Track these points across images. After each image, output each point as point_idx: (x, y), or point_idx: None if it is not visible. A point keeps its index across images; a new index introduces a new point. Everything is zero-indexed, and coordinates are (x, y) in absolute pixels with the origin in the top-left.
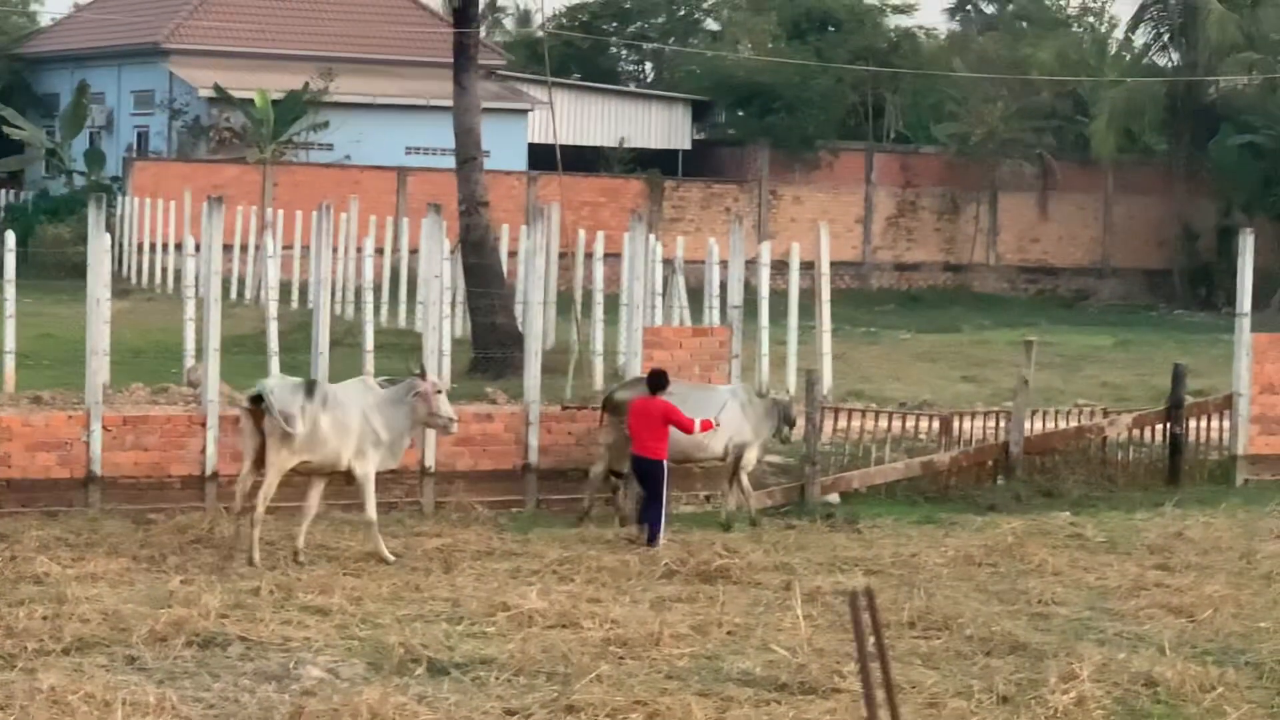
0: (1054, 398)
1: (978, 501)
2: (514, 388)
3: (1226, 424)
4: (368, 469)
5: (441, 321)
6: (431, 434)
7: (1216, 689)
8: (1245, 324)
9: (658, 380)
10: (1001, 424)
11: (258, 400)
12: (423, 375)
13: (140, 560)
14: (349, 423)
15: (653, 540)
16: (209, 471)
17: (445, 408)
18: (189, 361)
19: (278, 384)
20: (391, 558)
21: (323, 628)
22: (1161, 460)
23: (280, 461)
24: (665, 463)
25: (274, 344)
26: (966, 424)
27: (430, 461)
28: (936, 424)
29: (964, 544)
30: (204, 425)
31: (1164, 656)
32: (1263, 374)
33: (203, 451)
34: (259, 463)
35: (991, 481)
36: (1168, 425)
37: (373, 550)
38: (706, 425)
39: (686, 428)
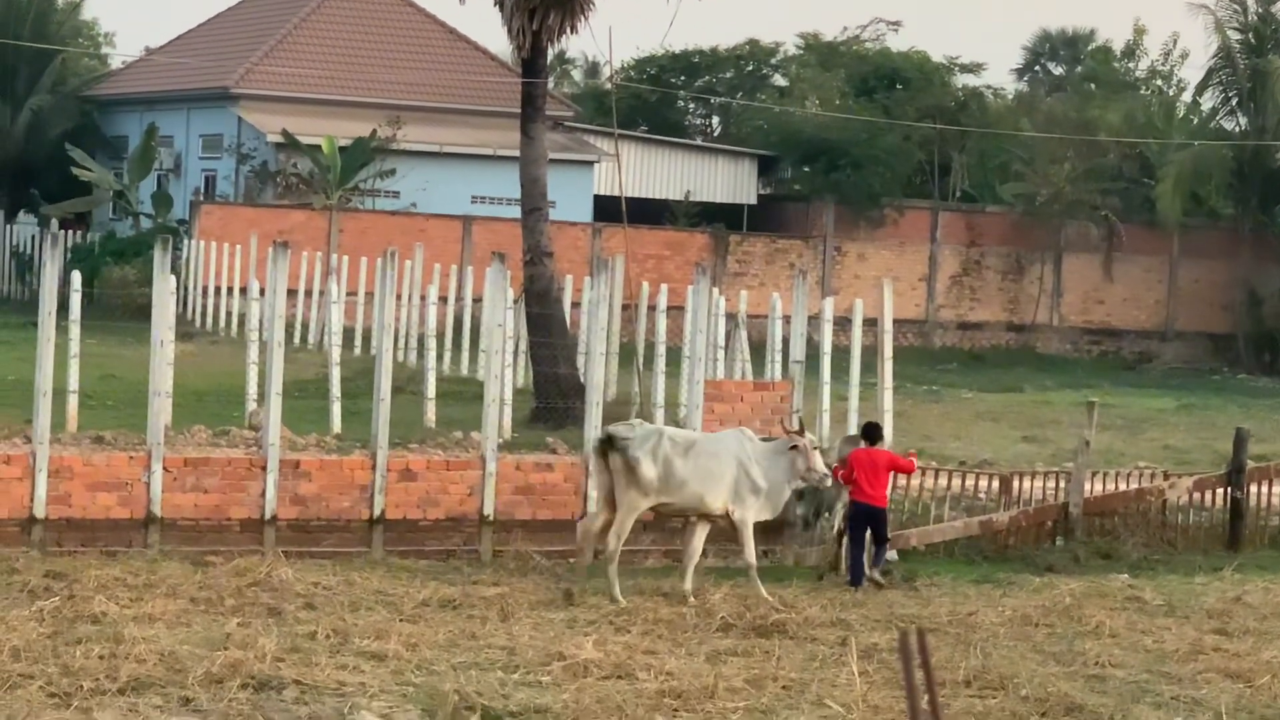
0: (1115, 460)
1: (1036, 562)
2: (574, 438)
3: None
4: (746, 515)
5: (504, 370)
6: (491, 481)
7: None
8: None
9: (876, 431)
10: (1061, 485)
11: (608, 442)
12: (801, 431)
13: (198, 602)
14: (716, 469)
15: (877, 565)
16: (269, 515)
17: (820, 464)
18: (251, 405)
19: (627, 428)
20: (770, 598)
21: (378, 673)
22: (1222, 524)
23: (630, 501)
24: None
25: (336, 389)
26: (1026, 484)
27: (489, 510)
28: (996, 483)
29: (1021, 604)
30: (264, 469)
31: None
32: None
33: (263, 495)
34: (608, 503)
35: (1050, 542)
36: (1228, 489)
37: (753, 593)
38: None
39: (909, 469)
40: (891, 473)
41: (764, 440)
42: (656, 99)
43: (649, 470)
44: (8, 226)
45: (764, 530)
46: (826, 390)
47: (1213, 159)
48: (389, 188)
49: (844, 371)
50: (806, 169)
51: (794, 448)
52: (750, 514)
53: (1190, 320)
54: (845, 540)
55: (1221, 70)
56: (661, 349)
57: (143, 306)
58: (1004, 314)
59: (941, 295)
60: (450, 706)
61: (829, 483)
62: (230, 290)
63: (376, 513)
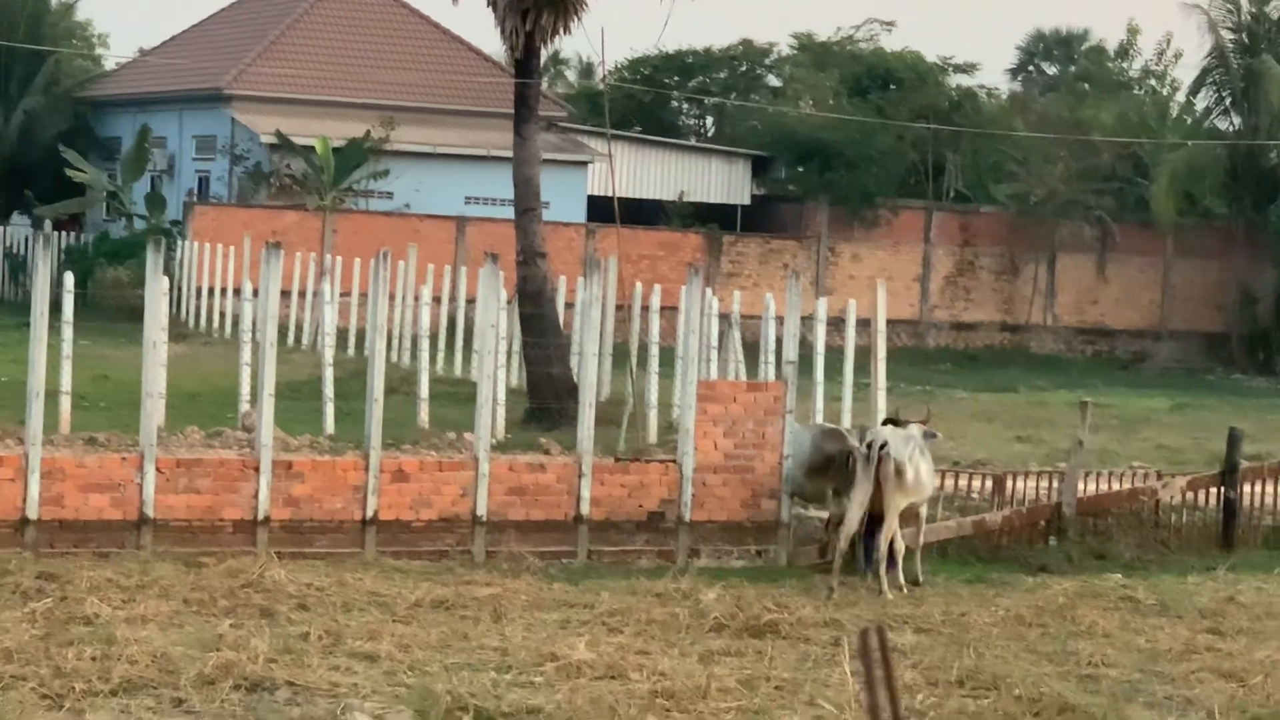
0: (1109, 459)
1: (1029, 562)
2: (568, 438)
3: None
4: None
5: (496, 371)
6: (484, 482)
7: None
8: None
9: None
10: (1055, 485)
11: (881, 449)
12: (926, 420)
13: (190, 603)
14: (931, 467)
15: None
16: (261, 516)
17: None
18: (244, 406)
19: (891, 433)
20: (902, 586)
21: (371, 674)
22: (1215, 524)
23: (896, 504)
24: None
25: (329, 390)
26: (1020, 484)
27: (482, 511)
28: (989, 483)
29: (1014, 604)
30: (257, 470)
31: None
32: None
33: (255, 496)
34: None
35: (1043, 542)
36: (1222, 489)
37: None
38: None
39: None
40: None
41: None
42: (650, 99)
43: (910, 474)
44: (1, 228)
45: (759, 530)
46: (820, 391)
47: (1206, 159)
48: (383, 188)
49: (838, 372)
50: (800, 169)
51: (931, 436)
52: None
53: (1184, 320)
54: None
55: (1215, 70)
56: (655, 349)
57: (136, 308)
58: (998, 314)
59: (935, 295)
60: (443, 707)
61: None
62: (224, 291)
63: (369, 514)
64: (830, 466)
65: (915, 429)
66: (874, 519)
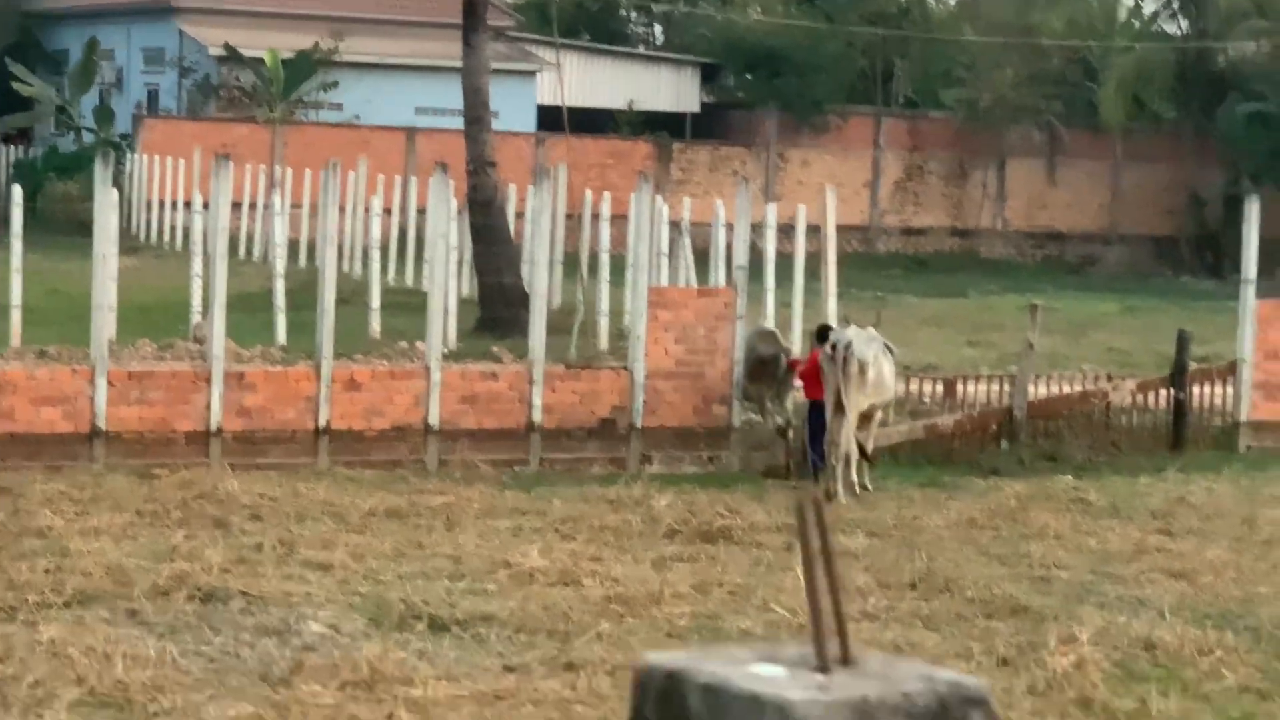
0: (1059, 363)
1: (981, 465)
2: (519, 347)
3: (1230, 390)
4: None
5: (448, 281)
6: (436, 391)
7: (1215, 653)
8: (1250, 291)
9: (829, 333)
10: (1006, 388)
11: (834, 348)
12: (876, 325)
13: (143, 515)
14: (894, 369)
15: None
16: (214, 427)
17: None
18: (196, 318)
19: (855, 334)
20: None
21: (324, 584)
22: (1165, 426)
23: (857, 404)
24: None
25: (281, 301)
26: (971, 388)
27: (435, 419)
28: (941, 388)
29: (966, 507)
30: (209, 381)
31: (1164, 620)
32: (1266, 340)
33: (208, 407)
34: (841, 406)
35: (995, 445)
36: (1171, 391)
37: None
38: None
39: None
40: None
41: None
42: (598, 8)
43: (872, 373)
44: None
45: (710, 435)
46: (771, 297)
47: (1155, 62)
48: (332, 100)
49: (788, 278)
50: (749, 76)
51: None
52: None
53: (1133, 223)
54: (792, 436)
55: None
56: (605, 258)
57: (86, 222)
58: (948, 219)
59: (885, 201)
60: (396, 615)
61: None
62: (174, 204)
63: (322, 423)
64: (765, 367)
65: (872, 331)
66: (818, 425)
